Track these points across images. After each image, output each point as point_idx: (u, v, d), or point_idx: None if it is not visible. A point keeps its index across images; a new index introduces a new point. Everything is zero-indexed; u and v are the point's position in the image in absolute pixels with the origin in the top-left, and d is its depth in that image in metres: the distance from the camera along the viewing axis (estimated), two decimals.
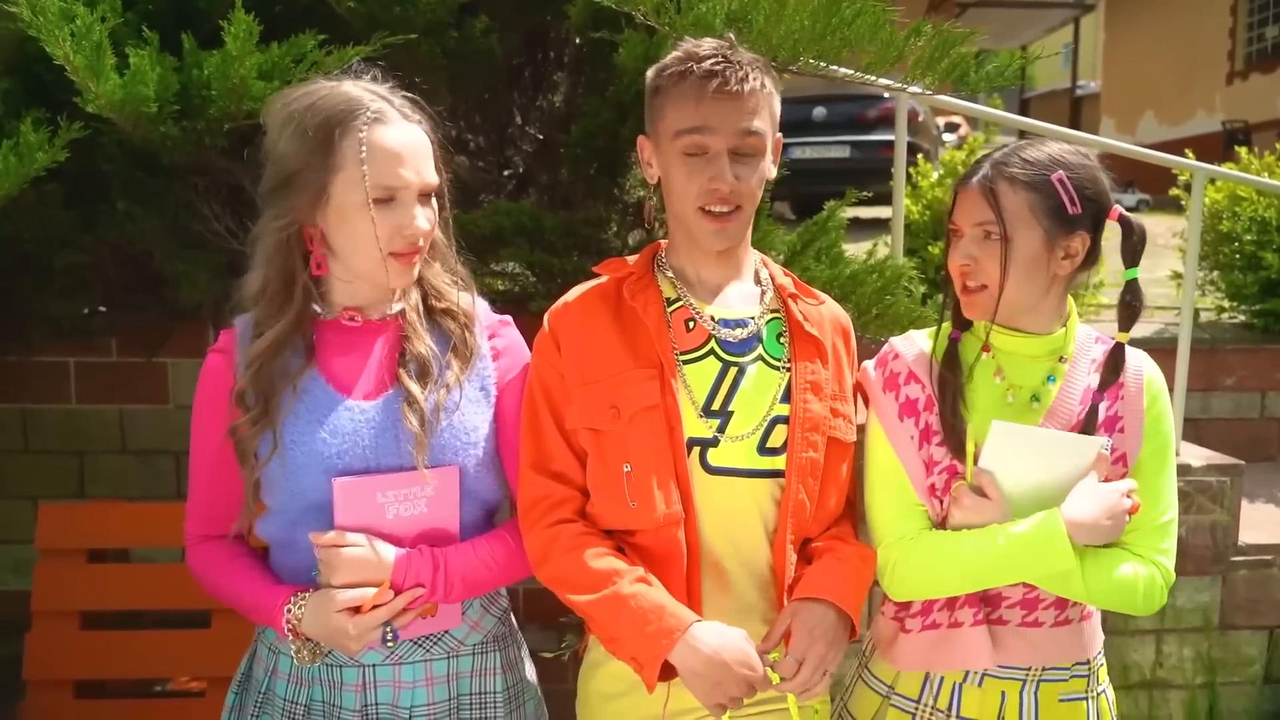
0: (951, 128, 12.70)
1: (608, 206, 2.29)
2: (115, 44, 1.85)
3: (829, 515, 1.27)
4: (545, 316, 1.30)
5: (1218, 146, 9.21)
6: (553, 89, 2.67)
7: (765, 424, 1.22)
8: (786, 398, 1.23)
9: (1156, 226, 7.90)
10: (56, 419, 2.99)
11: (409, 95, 1.26)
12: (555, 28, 2.59)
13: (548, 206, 2.59)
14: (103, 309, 2.71)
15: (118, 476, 2.99)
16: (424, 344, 1.23)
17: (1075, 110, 17.55)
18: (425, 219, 1.20)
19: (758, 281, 1.31)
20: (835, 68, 1.92)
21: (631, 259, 1.31)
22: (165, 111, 1.86)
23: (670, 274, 1.29)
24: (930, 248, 3.44)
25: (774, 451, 1.22)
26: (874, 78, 1.91)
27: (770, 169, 1.27)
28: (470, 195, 2.62)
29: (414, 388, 1.20)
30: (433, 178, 1.22)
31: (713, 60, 1.18)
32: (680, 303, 1.27)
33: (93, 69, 1.61)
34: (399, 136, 1.18)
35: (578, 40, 2.46)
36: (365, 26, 2.03)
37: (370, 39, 1.93)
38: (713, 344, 1.25)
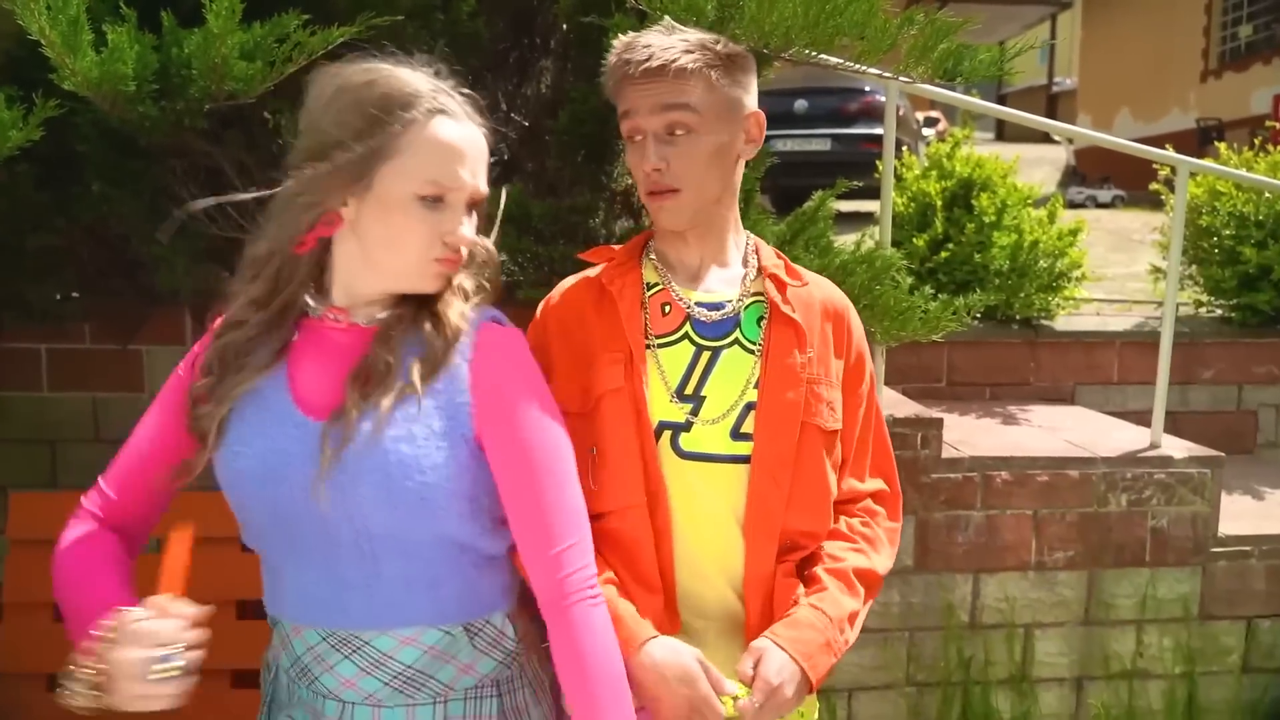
0: (930, 122, 12.75)
1: (595, 194, 2.26)
2: (92, 20, 1.81)
3: (815, 504, 1.23)
4: (539, 309, 1.29)
5: (1192, 143, 9.31)
6: (540, 75, 2.63)
7: (739, 410, 1.20)
8: (760, 382, 1.21)
9: (1133, 222, 8.01)
10: (27, 407, 2.92)
11: (469, 94, 1.15)
12: (543, 12, 2.56)
13: (534, 194, 2.55)
14: (75, 294, 2.64)
15: (91, 466, 2.78)
16: (387, 349, 1.05)
17: (1052, 107, 17.69)
18: (471, 228, 1.08)
19: (746, 264, 1.30)
20: (827, 57, 1.91)
21: (615, 247, 1.30)
22: (144, 90, 1.81)
23: (654, 258, 1.28)
24: (915, 239, 3.45)
25: (746, 437, 1.19)
26: (864, 67, 1.90)
27: (744, 148, 1.25)
28: None
29: (352, 397, 1.02)
30: (485, 187, 1.12)
31: (643, 44, 1.18)
32: (659, 286, 1.26)
33: (69, 44, 1.56)
34: (461, 134, 1.07)
35: (565, 25, 2.43)
36: (351, 7, 1.98)
37: (355, 20, 1.89)
38: (688, 327, 1.23)
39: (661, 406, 1.19)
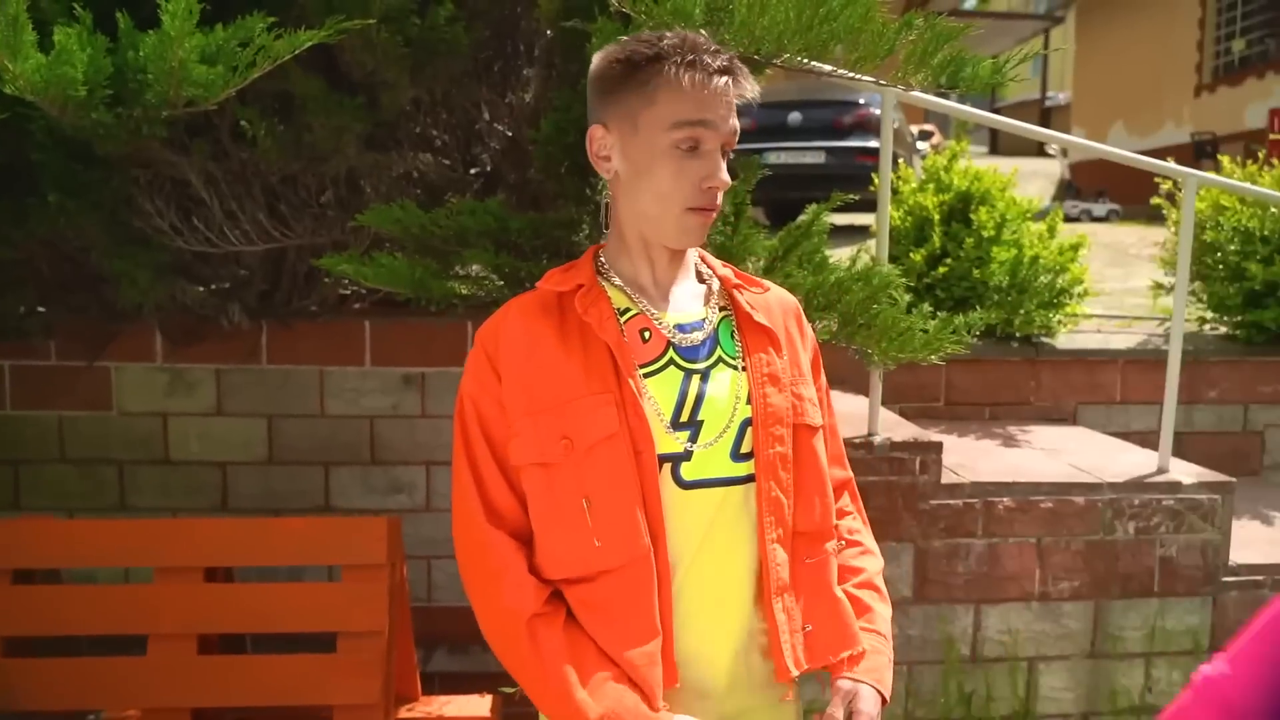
0: (924, 135, 12.71)
1: (579, 207, 2.16)
2: (44, 23, 1.71)
3: (814, 504, 1.18)
4: (476, 336, 1.17)
5: (1187, 157, 9.26)
6: (523, 84, 2.54)
7: (736, 428, 1.14)
8: (750, 396, 1.16)
9: (1129, 236, 7.94)
10: None
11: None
12: (526, 19, 2.46)
13: (516, 206, 2.45)
14: (40, 310, 2.54)
15: (56, 487, 2.83)
16: None
17: (1045, 121, 17.72)
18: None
19: (700, 279, 1.23)
20: (820, 65, 1.82)
21: (572, 269, 1.19)
22: (97, 96, 1.71)
23: (618, 281, 1.18)
24: (912, 254, 3.35)
25: (748, 456, 1.14)
26: (859, 76, 1.81)
27: None
28: (435, 194, 2.49)
29: None
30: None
31: (721, 56, 1.10)
32: (633, 311, 1.16)
33: (9, 46, 1.46)
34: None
35: (549, 32, 2.33)
36: (320, 10, 1.88)
37: (325, 24, 1.79)
38: (671, 353, 1.14)
39: (659, 439, 1.11)
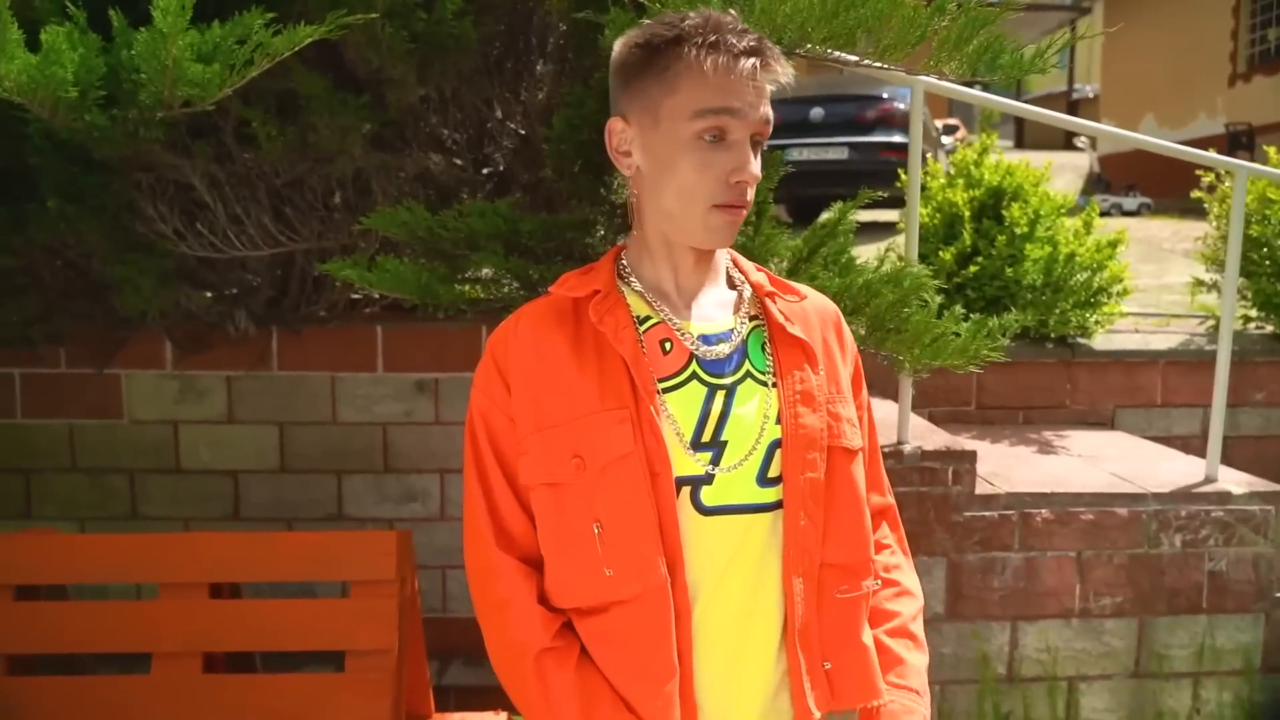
0: (949, 130, 12.50)
1: (594, 207, 2.07)
2: (36, 20, 1.64)
3: (853, 533, 1.08)
4: (487, 344, 1.09)
5: (1222, 149, 9.03)
6: (537, 81, 2.45)
7: (763, 451, 1.04)
8: (780, 416, 1.06)
9: (1162, 230, 7.74)
10: (0, 434, 2.78)
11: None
12: (539, 12, 2.38)
13: (530, 207, 2.37)
14: (41, 318, 2.49)
15: (67, 497, 2.81)
16: None
17: (1072, 113, 17.41)
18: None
19: (731, 285, 1.13)
20: (845, 55, 1.71)
21: (590, 273, 1.10)
22: (90, 98, 1.64)
23: (639, 286, 1.09)
24: (942, 253, 3.23)
25: (775, 481, 1.04)
26: (887, 65, 1.71)
27: None
28: (446, 195, 2.42)
29: None
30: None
31: (749, 36, 1.00)
32: (654, 320, 1.07)
33: None
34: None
35: (562, 26, 2.24)
36: (323, 5, 1.81)
37: (326, 19, 1.71)
38: (694, 366, 1.05)
39: (678, 460, 1.01)
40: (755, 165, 1.01)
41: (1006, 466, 2.63)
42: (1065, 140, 15.03)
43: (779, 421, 1.04)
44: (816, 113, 7.26)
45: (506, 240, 1.91)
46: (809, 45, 1.63)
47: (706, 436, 1.02)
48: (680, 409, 1.02)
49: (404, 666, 2.06)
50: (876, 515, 1.17)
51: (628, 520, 0.99)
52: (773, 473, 1.03)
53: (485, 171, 2.55)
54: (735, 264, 1.14)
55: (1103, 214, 9.18)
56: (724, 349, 1.05)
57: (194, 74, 1.64)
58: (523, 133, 2.43)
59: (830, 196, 7.98)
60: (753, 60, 0.98)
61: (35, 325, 2.46)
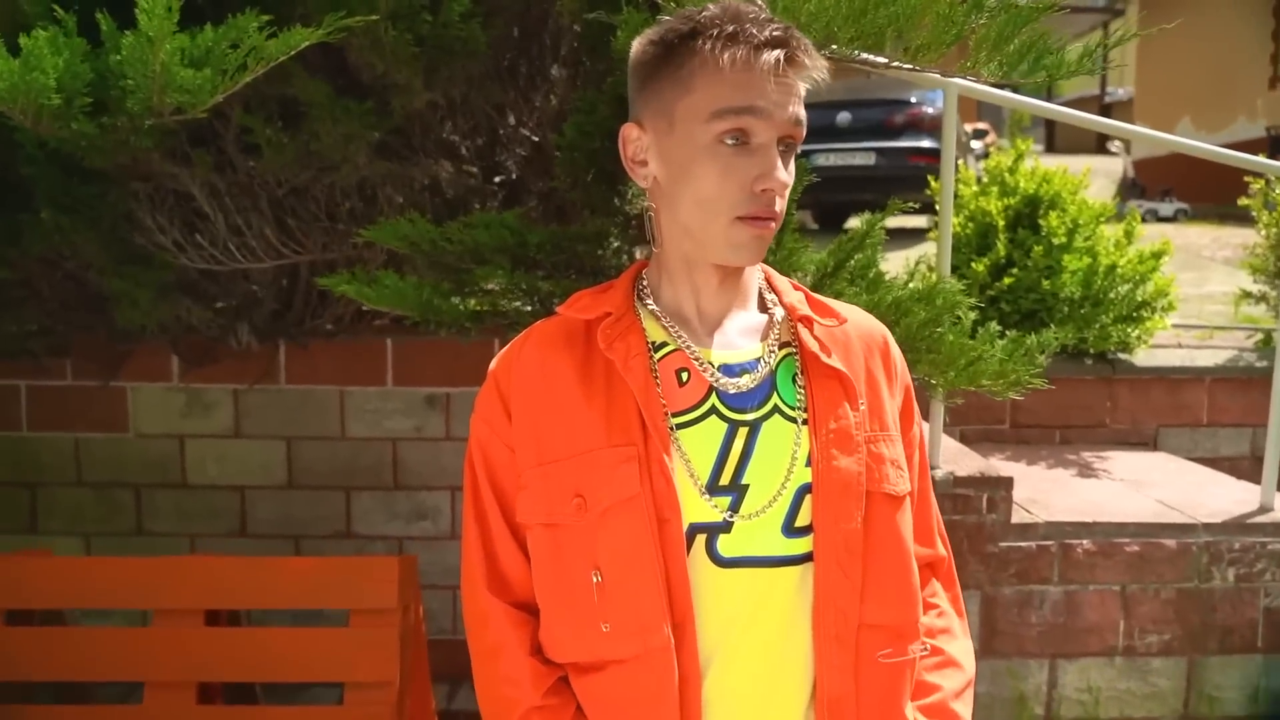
0: (979, 134, 12.29)
1: (607, 218, 1.96)
2: (25, 26, 1.57)
3: (897, 589, 0.97)
4: (491, 367, 0.99)
5: (1263, 153, 8.78)
6: (550, 86, 2.36)
7: (790, 496, 0.92)
8: (811, 458, 0.94)
9: (1201, 237, 7.51)
10: (6, 447, 2.76)
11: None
12: (553, 15, 2.28)
13: (542, 217, 2.28)
14: (47, 328, 2.44)
15: (73, 511, 2.76)
16: None
17: (1105, 117, 17.07)
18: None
19: (763, 307, 1.01)
20: (875, 57, 1.60)
21: (605, 292, 0.99)
22: (77, 105, 1.57)
23: (657, 309, 0.98)
24: (974, 264, 3.09)
25: (804, 531, 0.92)
26: (919, 67, 1.59)
27: None
28: (455, 206, 2.33)
29: None
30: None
31: (773, 26, 0.88)
32: (670, 347, 0.96)
33: None
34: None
35: (576, 27, 2.15)
36: (321, 7, 1.72)
37: (324, 22, 1.63)
38: (714, 399, 0.94)
39: (691, 505, 0.91)
40: (784, 171, 0.89)
41: (1044, 492, 2.49)
42: (1098, 144, 14.75)
43: (809, 464, 0.92)
44: (843, 117, 7.17)
45: (513, 254, 1.81)
46: (835, 47, 1.52)
47: (725, 479, 0.91)
48: (696, 447, 0.92)
49: (406, 698, 1.97)
50: (925, 569, 1.04)
51: (629, 571, 0.88)
52: (802, 521, 0.91)
53: (498, 180, 2.46)
54: (769, 283, 1.02)
55: (1122, 217, 8.95)
56: (748, 380, 0.94)
57: (184, 80, 1.56)
58: (536, 140, 2.34)
59: (857, 203, 7.86)
60: (777, 53, 0.86)
61: (35, 338, 2.40)
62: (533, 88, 2.37)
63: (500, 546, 0.97)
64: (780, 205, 0.91)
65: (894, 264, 2.26)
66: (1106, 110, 18.33)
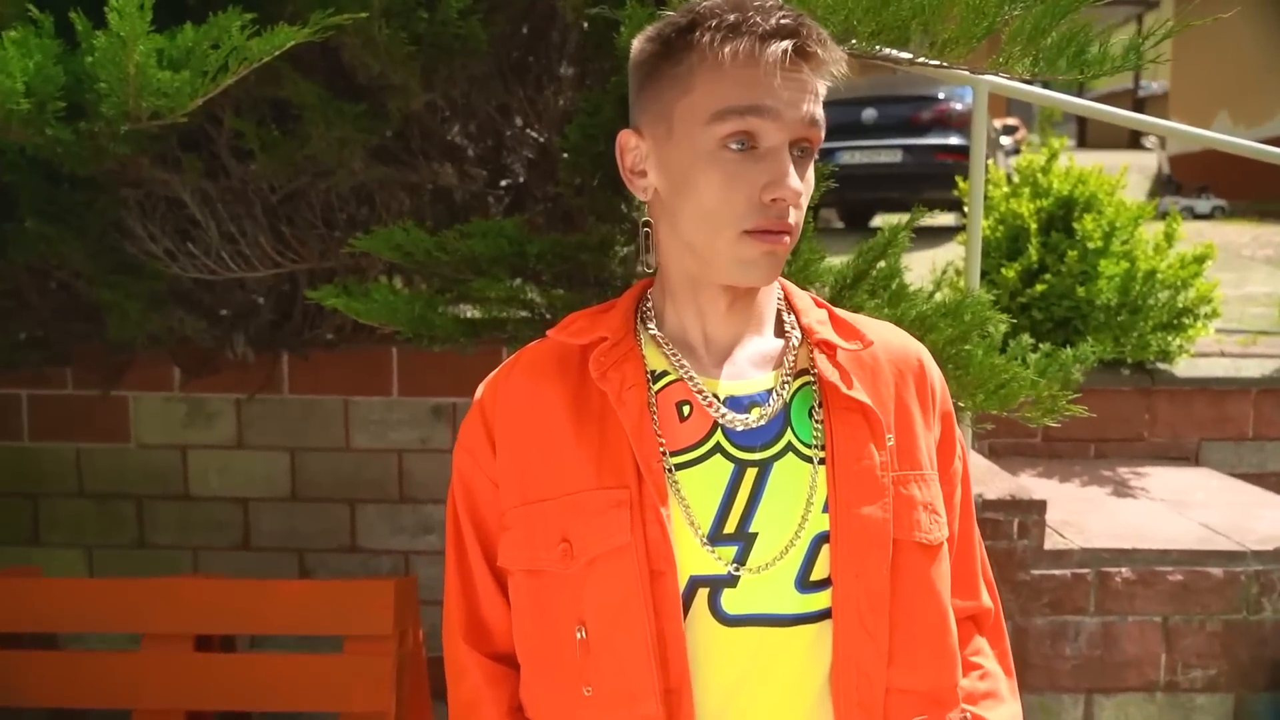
0: (1009, 130, 12.05)
1: (613, 225, 1.86)
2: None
3: (926, 653, 0.86)
4: (477, 392, 0.90)
5: None
6: (559, 86, 2.26)
7: (805, 547, 0.82)
8: (830, 503, 0.83)
9: (1239, 235, 7.27)
10: (7, 457, 2.73)
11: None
12: (561, 10, 2.19)
13: (548, 224, 2.18)
14: (39, 338, 2.38)
15: (75, 523, 2.73)
16: None
17: (1138, 112, 16.77)
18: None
19: (780, 330, 0.89)
20: (898, 52, 1.48)
21: (604, 314, 0.89)
22: (50, 110, 1.49)
23: (660, 334, 0.87)
24: (1005, 269, 2.95)
25: (822, 585, 0.82)
26: (946, 64, 1.47)
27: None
28: (459, 211, 2.25)
29: None
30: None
31: (782, 14, 0.77)
32: (670, 377, 0.86)
33: None
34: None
35: (585, 25, 2.04)
36: (310, 4, 1.63)
37: (310, 20, 1.54)
38: (719, 436, 0.83)
39: (691, 556, 0.81)
40: (796, 179, 0.78)
41: (1079, 513, 2.35)
42: (1131, 139, 14.45)
43: (827, 509, 0.82)
44: (869, 114, 7.07)
45: (512, 264, 1.71)
46: (854, 42, 1.40)
47: (730, 527, 0.81)
48: (697, 491, 0.82)
49: None
50: (967, 622, 0.93)
51: (616, 629, 0.79)
52: (818, 574, 0.81)
53: (504, 184, 2.37)
54: (788, 300, 0.90)
55: (1165, 216, 8.74)
56: (758, 415, 0.83)
57: (161, 82, 1.48)
58: (542, 142, 2.24)
59: (883, 201, 7.74)
60: (785, 43, 0.75)
61: (29, 349, 2.34)
62: (540, 87, 2.27)
63: (481, 592, 0.88)
64: (795, 217, 0.80)
65: (920, 264, 2.13)
66: (1140, 105, 17.95)
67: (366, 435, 2.61)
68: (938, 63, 1.50)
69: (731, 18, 0.77)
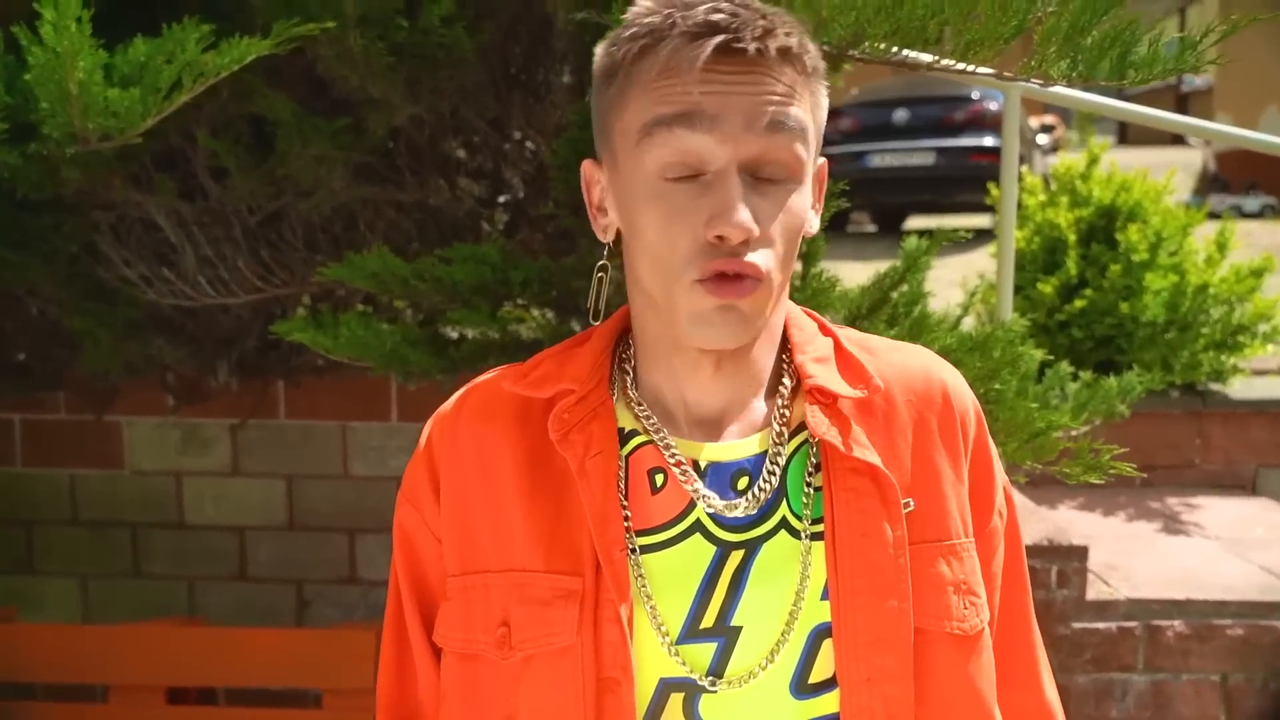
0: (1046, 129, 11.75)
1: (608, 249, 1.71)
2: None
3: None
4: (425, 428, 0.77)
5: None
6: (559, 95, 2.13)
7: (801, 644, 0.67)
8: (830, 589, 0.69)
9: None
10: (1, 484, 2.66)
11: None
12: (556, 17, 2.05)
13: (546, 245, 2.05)
14: (20, 365, 2.31)
15: (69, 551, 2.68)
16: None
17: (1181, 109, 16.33)
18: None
19: (777, 383, 0.73)
20: (917, 55, 1.33)
21: (574, 355, 0.74)
22: None
23: (633, 390, 0.73)
24: (1040, 284, 2.76)
25: (825, 687, 0.68)
26: (971, 67, 1.31)
27: (812, 217, 0.71)
28: (451, 232, 2.13)
29: None
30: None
31: (707, 6, 0.63)
32: (641, 439, 0.71)
33: None
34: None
35: (579, 31, 1.91)
36: (274, 13, 1.51)
37: (273, 30, 1.42)
38: (698, 512, 0.69)
39: (650, 660, 0.67)
40: (745, 211, 0.62)
41: (1125, 554, 2.16)
42: (1174, 135, 14.06)
43: (827, 596, 0.67)
44: (900, 115, 6.96)
45: (496, 292, 1.58)
46: (867, 44, 1.25)
47: (708, 620, 0.67)
48: (669, 580, 0.67)
49: None
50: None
51: None
52: (819, 675, 0.67)
53: (503, 199, 2.25)
54: (790, 330, 0.74)
55: (1218, 217, 8.43)
56: (746, 487, 0.69)
57: (110, 101, 1.37)
58: (538, 157, 2.11)
59: (916, 204, 7.57)
60: (721, 39, 0.61)
61: (12, 376, 2.26)
62: (540, 98, 2.14)
63: (420, 669, 0.76)
64: (766, 260, 0.64)
65: (952, 269, 1.96)
66: (1183, 101, 17.47)
67: (366, 462, 2.53)
68: (962, 66, 1.34)
69: (651, 21, 0.63)
